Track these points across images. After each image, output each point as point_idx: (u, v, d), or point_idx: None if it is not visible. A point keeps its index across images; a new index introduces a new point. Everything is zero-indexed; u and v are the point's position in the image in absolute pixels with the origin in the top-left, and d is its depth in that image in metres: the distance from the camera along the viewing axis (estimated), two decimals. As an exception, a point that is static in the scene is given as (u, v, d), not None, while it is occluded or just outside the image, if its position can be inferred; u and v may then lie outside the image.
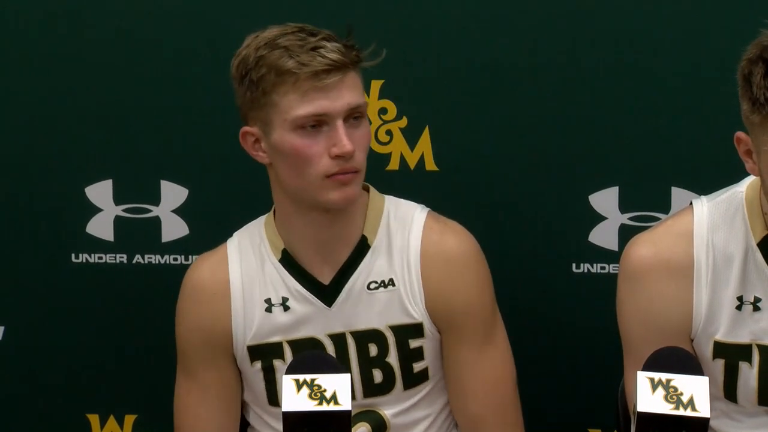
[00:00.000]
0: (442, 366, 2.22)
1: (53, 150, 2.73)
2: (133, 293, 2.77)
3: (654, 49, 2.55)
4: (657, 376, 1.63)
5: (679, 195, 2.57)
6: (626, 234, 2.43)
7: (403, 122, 2.59)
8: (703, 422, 1.60)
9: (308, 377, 1.68)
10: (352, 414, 2.15)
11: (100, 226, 2.76)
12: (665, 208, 2.59)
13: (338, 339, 2.18)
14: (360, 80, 2.12)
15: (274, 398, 2.21)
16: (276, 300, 2.19)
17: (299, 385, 1.67)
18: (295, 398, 1.66)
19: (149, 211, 2.75)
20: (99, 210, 2.75)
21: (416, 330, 2.18)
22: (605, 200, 2.62)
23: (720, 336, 2.04)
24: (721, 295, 2.03)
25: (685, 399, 1.61)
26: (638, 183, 2.60)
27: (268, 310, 2.19)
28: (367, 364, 2.19)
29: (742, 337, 2.04)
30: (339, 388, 1.67)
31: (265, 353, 2.19)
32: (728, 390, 2.06)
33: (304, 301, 2.18)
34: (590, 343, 2.63)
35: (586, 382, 2.67)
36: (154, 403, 2.78)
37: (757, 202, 2.02)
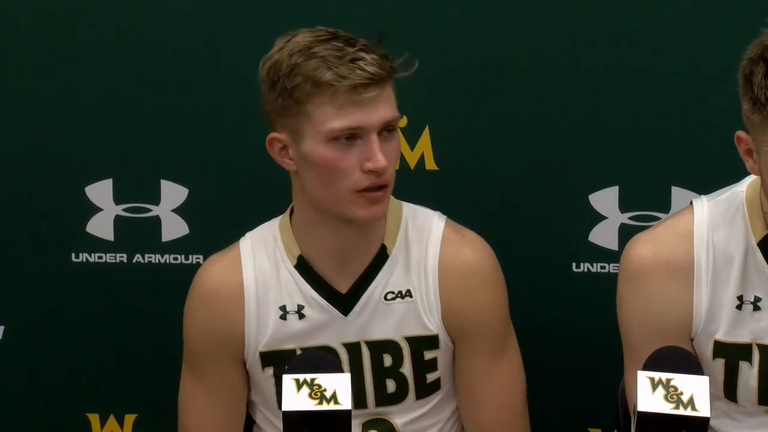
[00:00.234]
0: (453, 375, 2.20)
1: (53, 150, 2.73)
2: (133, 293, 2.77)
3: (654, 49, 2.55)
4: (657, 375, 1.63)
5: (679, 195, 2.57)
6: (626, 234, 2.43)
7: (403, 122, 2.58)
8: (703, 422, 1.60)
9: (308, 377, 1.67)
10: (363, 422, 2.17)
11: (100, 226, 2.76)
12: (665, 207, 2.59)
13: (353, 348, 2.15)
14: (393, 92, 2.07)
15: None
16: (291, 308, 2.15)
17: (299, 385, 1.67)
18: (295, 398, 1.66)
19: (149, 210, 2.74)
20: (99, 209, 2.75)
21: (431, 342, 2.16)
22: (605, 200, 2.62)
23: (720, 335, 2.04)
24: (721, 294, 2.03)
25: (685, 399, 1.61)
26: (638, 183, 2.60)
27: (283, 317, 2.15)
28: (380, 374, 2.16)
29: (742, 337, 2.04)
30: (339, 388, 1.67)
31: (277, 360, 2.16)
32: (728, 390, 2.06)
33: (319, 309, 2.15)
34: (590, 343, 2.63)
35: (586, 382, 2.66)
36: (154, 403, 2.78)
37: (758, 201, 2.02)
